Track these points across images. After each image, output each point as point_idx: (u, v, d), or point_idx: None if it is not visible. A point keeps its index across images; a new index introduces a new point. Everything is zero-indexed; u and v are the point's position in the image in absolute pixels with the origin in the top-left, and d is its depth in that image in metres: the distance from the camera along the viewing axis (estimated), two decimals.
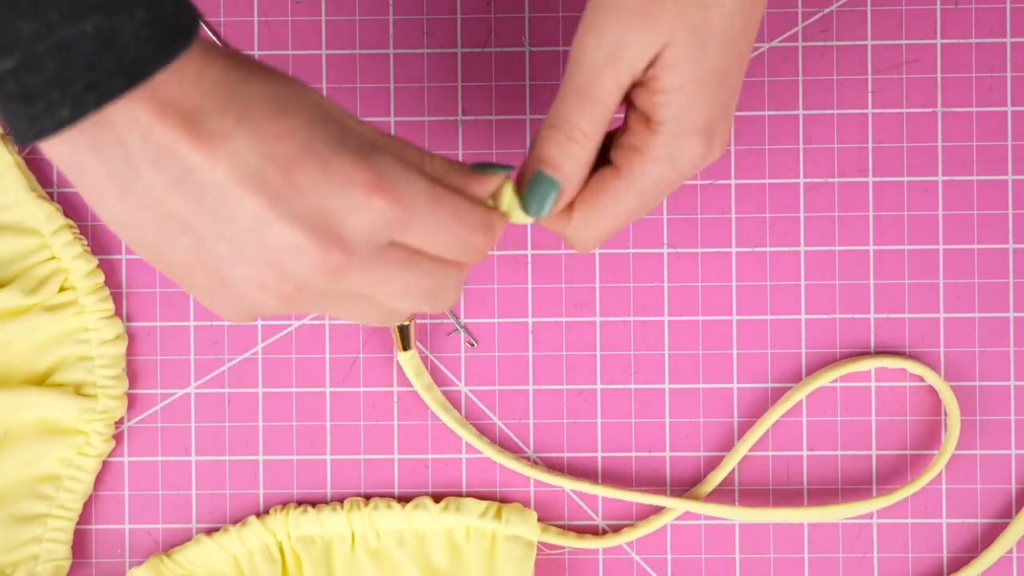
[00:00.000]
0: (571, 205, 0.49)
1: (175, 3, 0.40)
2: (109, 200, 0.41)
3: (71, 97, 0.39)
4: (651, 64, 0.46)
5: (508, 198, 0.47)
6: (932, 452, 0.60)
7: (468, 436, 0.59)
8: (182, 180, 0.40)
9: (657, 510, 0.60)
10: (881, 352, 0.60)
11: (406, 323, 0.59)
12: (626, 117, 0.48)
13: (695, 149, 0.47)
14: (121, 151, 0.40)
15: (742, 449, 0.59)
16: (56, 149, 0.40)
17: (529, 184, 0.47)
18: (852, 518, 0.60)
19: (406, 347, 0.59)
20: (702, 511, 0.59)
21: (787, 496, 0.60)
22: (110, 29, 0.39)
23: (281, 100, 0.42)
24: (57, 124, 0.39)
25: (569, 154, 0.47)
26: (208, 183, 0.40)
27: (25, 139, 0.40)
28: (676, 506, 0.59)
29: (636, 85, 0.47)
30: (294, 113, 0.42)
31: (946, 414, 0.60)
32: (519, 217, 0.48)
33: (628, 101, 0.48)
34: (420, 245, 0.44)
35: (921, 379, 0.60)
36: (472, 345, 0.60)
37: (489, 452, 0.59)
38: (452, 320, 0.60)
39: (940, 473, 0.60)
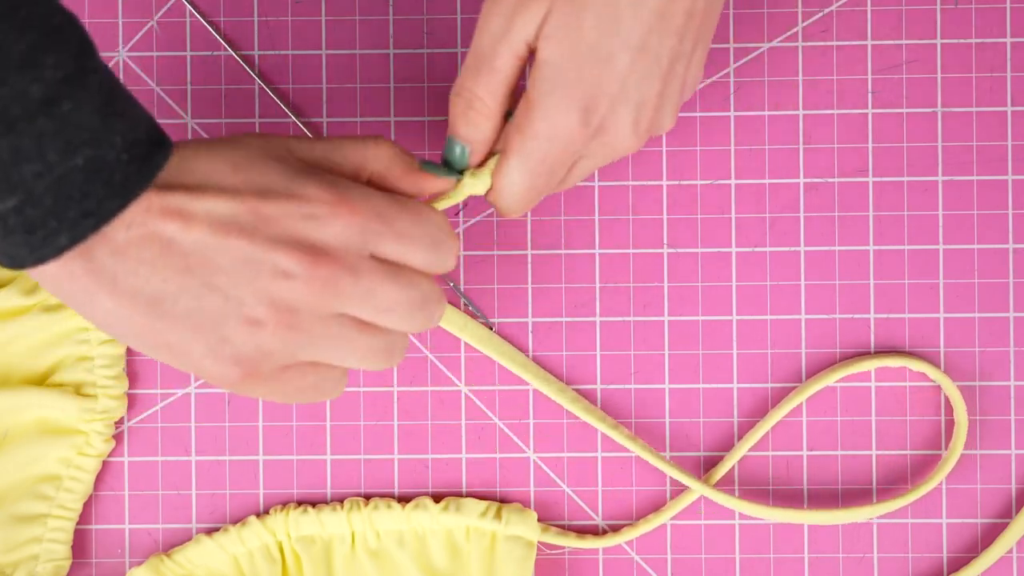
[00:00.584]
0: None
1: (146, 123, 0.44)
2: (101, 298, 0.44)
3: (68, 224, 0.43)
4: (536, 37, 0.47)
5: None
6: (932, 452, 0.60)
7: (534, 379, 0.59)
8: (166, 251, 0.44)
9: (657, 509, 0.60)
10: (882, 352, 0.60)
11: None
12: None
13: (570, 125, 0.48)
14: (108, 247, 0.44)
15: (741, 449, 0.59)
16: (43, 267, 0.44)
17: (445, 147, 0.50)
18: (852, 518, 0.60)
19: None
20: (728, 504, 0.59)
21: (787, 496, 0.60)
22: (98, 159, 0.42)
23: (234, 159, 0.46)
24: (57, 251, 0.43)
25: (469, 121, 0.49)
26: (188, 245, 0.44)
27: (24, 264, 0.43)
28: (704, 492, 0.59)
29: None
30: (246, 165, 0.46)
31: (949, 411, 0.60)
32: (462, 191, 0.50)
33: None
34: (397, 255, 0.47)
35: (922, 378, 0.60)
36: (491, 327, 0.60)
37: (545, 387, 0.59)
38: (466, 302, 0.60)
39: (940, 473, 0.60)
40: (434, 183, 0.50)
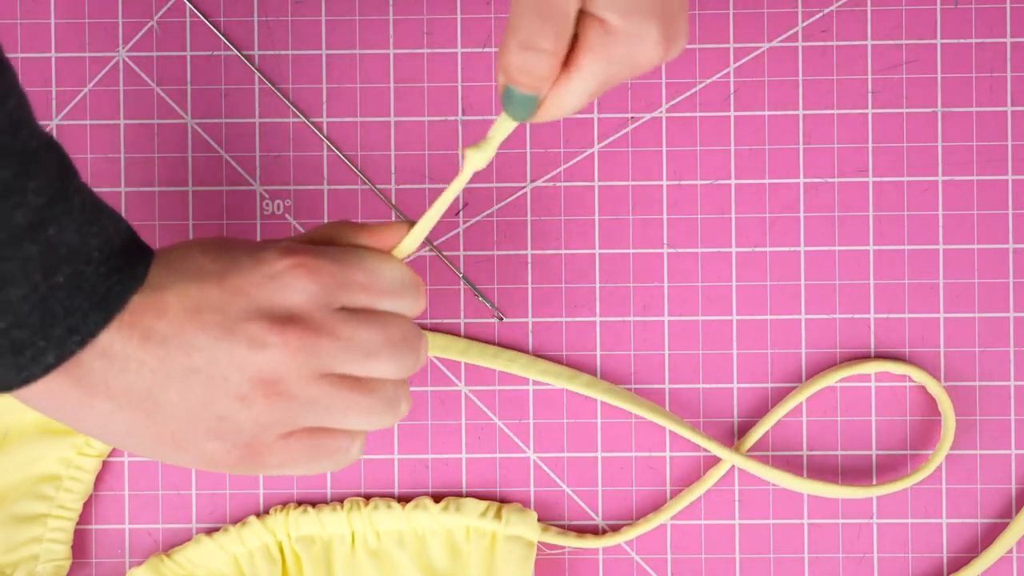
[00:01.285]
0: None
1: (123, 234, 0.46)
2: (98, 403, 0.45)
3: (54, 342, 0.43)
4: None
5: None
6: (932, 452, 0.60)
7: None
8: (146, 342, 0.45)
9: (656, 508, 0.60)
10: (884, 356, 0.60)
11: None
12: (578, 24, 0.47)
13: (653, 48, 0.46)
14: (95, 350, 0.44)
15: (741, 449, 0.59)
16: (30, 387, 0.45)
17: (511, 101, 0.47)
18: (852, 518, 0.60)
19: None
20: (756, 470, 0.59)
21: (787, 496, 0.60)
22: (78, 275, 0.43)
23: (202, 245, 0.47)
24: (44, 369, 0.44)
25: (540, 75, 0.46)
26: (165, 331, 0.45)
27: (11, 387, 0.44)
28: (728, 457, 0.59)
29: None
30: (213, 247, 0.47)
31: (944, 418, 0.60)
32: (467, 171, 0.49)
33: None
34: (365, 304, 0.47)
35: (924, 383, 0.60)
36: (501, 319, 0.60)
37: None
38: (477, 295, 0.60)
39: (940, 473, 0.60)
40: (393, 232, 0.50)
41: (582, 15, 0.46)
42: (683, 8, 0.47)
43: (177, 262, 0.47)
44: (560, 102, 0.47)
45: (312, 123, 0.60)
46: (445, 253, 0.60)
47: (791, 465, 0.60)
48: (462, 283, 0.60)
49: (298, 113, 0.60)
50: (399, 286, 0.48)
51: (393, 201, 0.60)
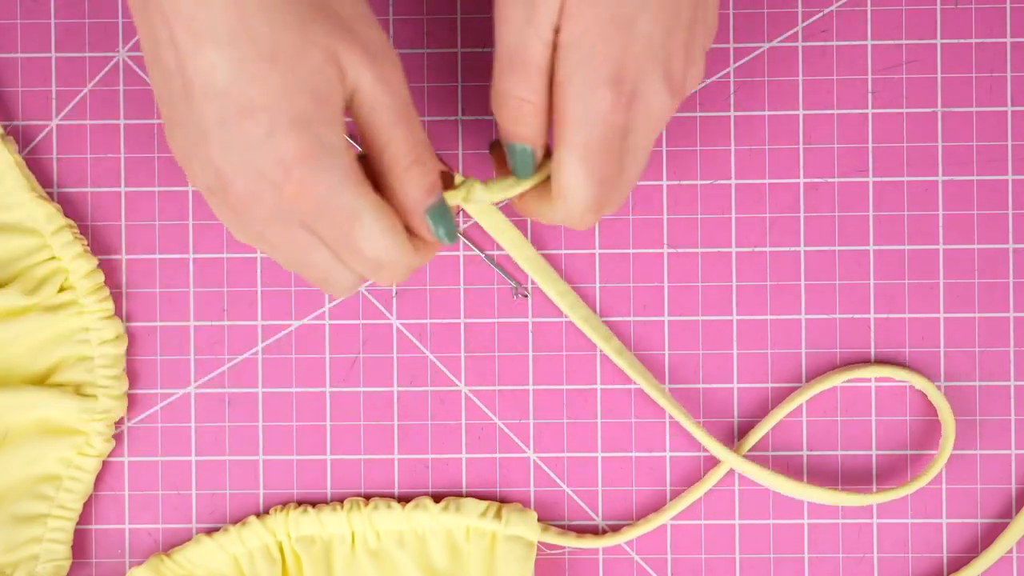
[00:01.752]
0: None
1: None
2: (136, 21, 0.44)
3: None
4: (559, 17, 0.45)
5: (466, 190, 0.50)
6: (932, 452, 0.60)
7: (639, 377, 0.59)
8: (169, 45, 0.43)
9: (657, 509, 0.60)
10: (884, 356, 0.60)
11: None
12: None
13: (604, 102, 0.46)
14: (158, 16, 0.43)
15: (741, 450, 0.59)
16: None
17: (509, 156, 0.49)
18: (852, 518, 0.60)
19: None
20: (752, 475, 0.59)
21: (787, 496, 0.60)
22: None
23: (280, 45, 0.43)
24: None
25: (521, 122, 0.47)
26: (186, 67, 0.43)
27: None
28: (731, 461, 0.59)
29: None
30: (283, 66, 0.43)
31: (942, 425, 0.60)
32: (478, 196, 0.50)
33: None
34: (325, 241, 0.46)
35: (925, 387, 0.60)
36: (525, 296, 0.60)
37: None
38: (502, 274, 0.60)
39: (940, 473, 0.60)
40: (423, 233, 0.49)
41: (557, 87, 0.47)
42: (656, 56, 0.47)
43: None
44: (565, 180, 0.48)
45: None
46: (444, 253, 0.60)
47: (791, 467, 0.60)
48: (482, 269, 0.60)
49: None
50: (373, 265, 0.47)
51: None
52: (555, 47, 0.46)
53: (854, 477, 0.60)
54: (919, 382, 0.59)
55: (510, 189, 0.50)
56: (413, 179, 0.47)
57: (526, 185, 0.50)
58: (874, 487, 0.60)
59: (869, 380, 0.60)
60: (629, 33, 0.45)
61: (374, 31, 0.45)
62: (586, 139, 0.47)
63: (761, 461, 0.60)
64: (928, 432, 0.60)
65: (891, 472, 0.60)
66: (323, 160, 0.44)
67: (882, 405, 0.60)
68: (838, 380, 0.59)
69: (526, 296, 0.60)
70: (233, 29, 0.42)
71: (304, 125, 0.43)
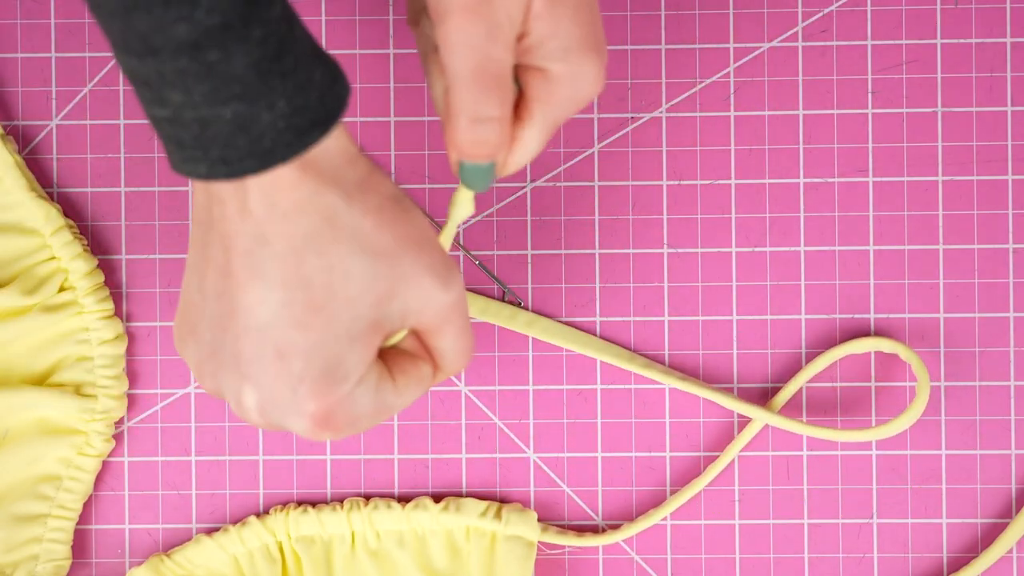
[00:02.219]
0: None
1: (322, 90, 0.42)
2: (193, 232, 0.45)
3: (208, 161, 0.42)
4: (524, 21, 0.45)
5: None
6: (932, 452, 0.60)
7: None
8: (222, 271, 0.44)
9: (657, 504, 0.60)
10: (882, 353, 0.60)
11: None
12: (517, 79, 0.47)
13: (596, 82, 0.47)
14: (219, 207, 0.43)
15: (738, 445, 0.59)
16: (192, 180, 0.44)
17: (470, 175, 0.47)
18: (852, 518, 0.60)
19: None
20: (775, 423, 0.59)
21: (787, 496, 0.60)
22: (249, 116, 0.40)
23: (330, 293, 0.44)
24: (195, 174, 0.42)
25: (495, 142, 0.46)
26: (234, 295, 0.44)
27: (173, 167, 0.43)
28: (751, 414, 0.59)
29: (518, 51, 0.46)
30: (327, 316, 0.44)
31: (950, 410, 0.60)
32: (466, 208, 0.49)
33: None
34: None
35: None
36: (519, 304, 0.60)
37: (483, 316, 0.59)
38: (498, 283, 0.60)
39: (941, 473, 0.60)
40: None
41: (520, 69, 0.47)
42: (601, 29, 0.47)
43: (317, 236, 0.43)
44: (518, 157, 0.48)
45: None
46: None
47: (791, 465, 0.60)
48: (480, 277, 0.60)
49: None
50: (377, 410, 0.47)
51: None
52: (528, 50, 0.46)
53: (854, 477, 0.60)
54: (887, 345, 0.58)
55: (461, 208, 0.49)
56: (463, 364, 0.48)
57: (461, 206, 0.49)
58: (874, 487, 0.60)
59: (869, 380, 0.60)
60: (591, 9, 0.46)
61: (438, 257, 0.46)
62: (562, 116, 0.47)
63: (761, 461, 0.60)
64: (929, 431, 0.60)
65: (891, 471, 0.60)
66: (343, 408, 0.45)
67: (883, 405, 0.60)
68: (833, 358, 0.59)
69: (519, 303, 0.60)
70: (290, 274, 0.43)
71: (335, 374, 0.44)
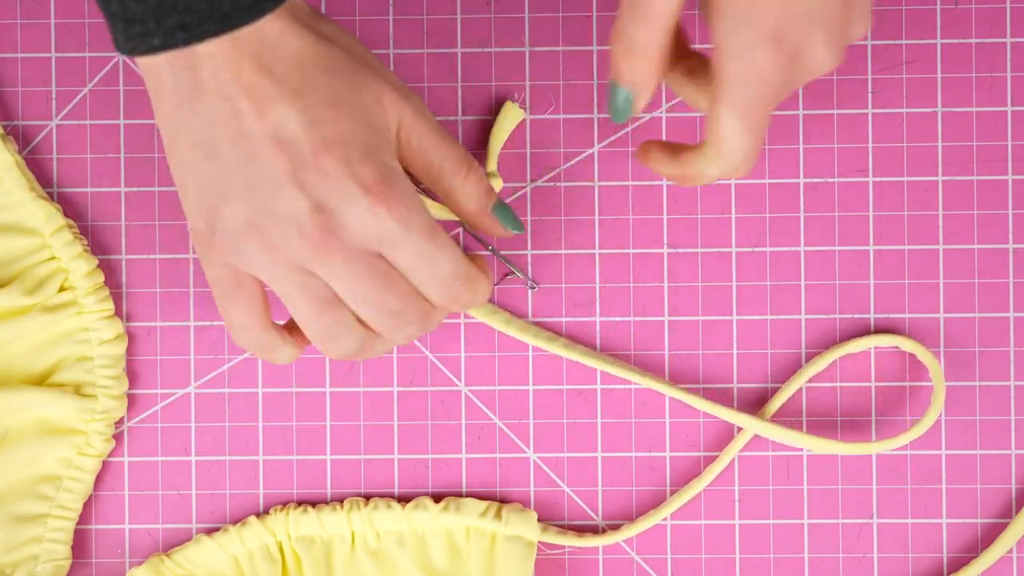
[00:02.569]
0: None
1: None
2: (164, 107, 0.47)
3: (164, 30, 0.45)
4: None
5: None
6: (933, 452, 0.60)
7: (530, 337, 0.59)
8: (230, 119, 0.46)
9: (657, 505, 0.60)
10: (883, 353, 0.60)
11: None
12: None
13: (764, 59, 0.46)
14: (191, 76, 0.46)
15: (739, 445, 0.59)
16: (140, 57, 0.47)
17: (609, 93, 0.50)
18: (852, 518, 0.60)
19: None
20: (770, 435, 0.59)
21: (787, 496, 0.60)
22: None
23: (339, 92, 0.47)
24: (148, 49, 0.46)
25: (632, 67, 0.48)
26: (250, 131, 0.46)
27: (120, 49, 0.46)
28: (744, 423, 0.59)
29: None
30: (346, 109, 0.47)
31: (949, 408, 0.60)
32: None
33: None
34: (404, 267, 0.48)
35: (924, 378, 0.60)
36: (533, 288, 0.60)
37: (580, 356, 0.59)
38: (509, 266, 0.60)
39: (940, 473, 0.60)
40: (495, 230, 0.53)
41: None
42: (816, 14, 0.46)
43: (306, 92, 0.47)
44: (723, 135, 0.48)
45: None
46: None
47: (791, 465, 0.60)
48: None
49: None
50: (444, 281, 0.49)
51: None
52: (711, 5, 0.46)
53: (854, 477, 0.60)
54: (907, 344, 0.58)
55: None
56: (472, 185, 0.52)
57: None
58: (874, 487, 0.60)
59: (869, 380, 0.60)
60: None
61: (396, 78, 0.50)
62: (745, 98, 0.47)
63: (761, 461, 0.60)
64: (929, 429, 0.60)
65: (891, 471, 0.60)
66: (396, 182, 0.48)
67: (883, 405, 0.60)
68: (832, 358, 0.59)
69: (535, 287, 0.60)
70: (297, 85, 0.46)
71: (374, 153, 0.48)
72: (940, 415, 0.60)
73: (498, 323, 0.59)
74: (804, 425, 0.60)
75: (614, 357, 0.60)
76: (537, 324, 0.60)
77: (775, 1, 0.45)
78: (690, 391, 0.60)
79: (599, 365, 0.59)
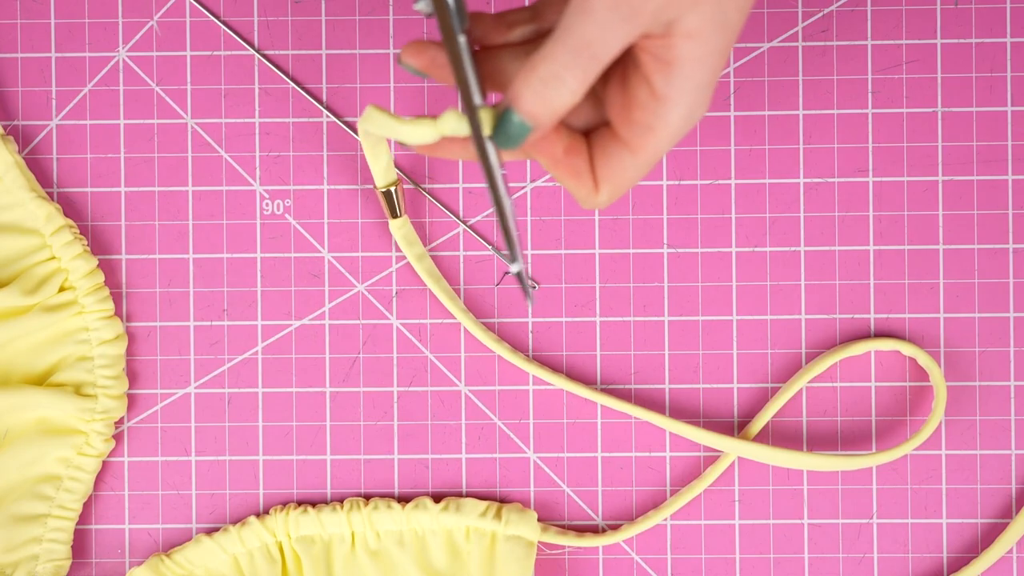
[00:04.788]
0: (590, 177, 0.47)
1: None
2: None
3: None
4: (668, 33, 0.43)
5: (453, 123, 0.46)
6: (933, 452, 0.60)
7: (458, 312, 0.59)
8: None
9: (657, 505, 0.60)
10: (882, 353, 0.60)
11: (391, 188, 0.58)
12: (624, 75, 0.46)
13: (704, 107, 0.45)
14: None
15: (743, 443, 0.59)
16: None
17: (504, 122, 0.45)
18: (852, 518, 0.60)
19: (395, 214, 0.58)
20: (759, 456, 0.59)
21: (787, 496, 0.60)
22: None
23: None
24: None
25: (552, 109, 0.44)
26: None
27: None
28: (731, 449, 0.59)
29: (640, 49, 0.44)
30: None
31: (949, 410, 0.60)
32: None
33: (624, 57, 0.46)
34: None
35: (923, 378, 0.60)
36: (535, 287, 0.60)
37: (485, 339, 0.59)
38: (512, 267, 0.60)
39: (941, 472, 0.60)
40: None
41: (632, 73, 0.45)
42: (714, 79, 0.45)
43: None
44: (624, 179, 0.46)
45: (343, 121, 0.60)
46: (444, 253, 0.60)
47: (790, 468, 0.60)
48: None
49: (327, 112, 0.60)
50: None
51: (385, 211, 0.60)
52: (653, 57, 0.44)
53: (854, 477, 0.60)
54: (908, 348, 0.58)
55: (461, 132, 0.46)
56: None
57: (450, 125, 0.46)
58: (874, 487, 0.60)
59: (869, 380, 0.60)
60: (730, 45, 0.45)
61: None
62: (668, 146, 0.46)
63: (761, 444, 0.60)
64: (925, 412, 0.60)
65: (892, 470, 0.60)
66: None
67: (882, 405, 0.60)
68: (832, 361, 0.59)
69: (536, 286, 0.60)
70: None
71: None
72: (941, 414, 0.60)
73: (503, 352, 0.59)
74: (804, 425, 0.60)
75: (614, 393, 0.60)
76: (536, 323, 0.60)
77: (724, 56, 0.44)
78: (692, 421, 0.60)
79: (600, 399, 0.59)
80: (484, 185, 0.59)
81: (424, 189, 0.59)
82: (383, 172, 0.58)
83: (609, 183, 0.47)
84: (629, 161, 0.46)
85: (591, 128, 0.48)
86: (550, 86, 0.44)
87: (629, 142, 0.46)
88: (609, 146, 0.47)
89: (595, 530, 0.60)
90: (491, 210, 0.60)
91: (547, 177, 0.60)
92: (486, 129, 0.45)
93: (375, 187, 0.59)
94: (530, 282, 0.60)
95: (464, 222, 0.60)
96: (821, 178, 0.60)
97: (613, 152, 0.47)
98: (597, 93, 0.48)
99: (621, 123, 0.46)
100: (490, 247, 0.60)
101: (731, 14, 0.44)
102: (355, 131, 0.60)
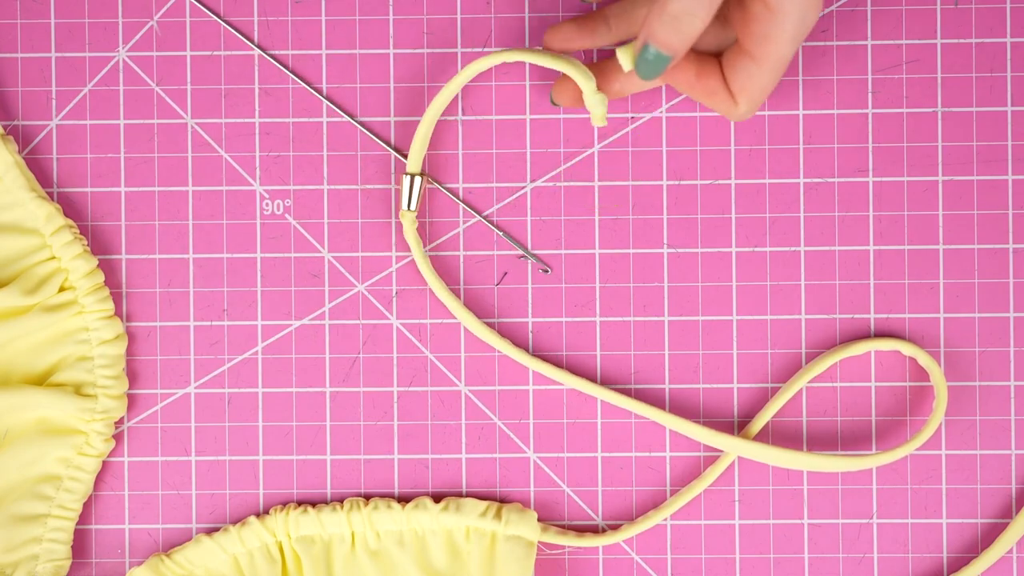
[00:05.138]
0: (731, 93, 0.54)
1: None
2: None
3: None
4: None
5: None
6: (933, 452, 0.60)
7: (461, 313, 0.59)
8: None
9: (657, 505, 0.60)
10: (882, 352, 0.60)
11: (419, 177, 0.58)
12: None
13: (816, 11, 0.50)
14: None
15: (743, 442, 0.59)
16: None
17: (643, 55, 0.51)
18: (852, 518, 0.60)
19: (410, 207, 0.59)
20: (758, 455, 0.59)
21: (787, 496, 0.60)
22: None
23: None
24: None
25: (684, 38, 0.50)
26: None
27: None
28: (732, 448, 0.59)
29: None
30: None
31: (949, 410, 0.60)
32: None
33: None
34: None
35: (923, 378, 0.60)
36: (546, 272, 0.60)
37: (483, 335, 0.59)
38: (518, 248, 0.60)
39: (941, 472, 0.60)
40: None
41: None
42: None
43: None
44: (757, 88, 0.53)
45: (354, 119, 0.60)
46: (443, 253, 0.60)
47: (790, 473, 0.60)
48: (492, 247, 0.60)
49: (338, 110, 0.60)
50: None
51: (395, 200, 0.60)
52: None
53: (854, 477, 0.60)
54: (908, 348, 0.58)
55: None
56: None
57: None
58: (874, 487, 0.60)
59: (869, 380, 0.60)
60: None
61: None
62: (790, 54, 0.51)
63: (761, 462, 0.60)
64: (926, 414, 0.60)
65: (892, 470, 0.60)
66: None
67: (882, 405, 0.60)
68: (832, 361, 0.59)
69: (548, 271, 0.60)
70: None
71: None
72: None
73: (506, 349, 0.59)
74: (804, 425, 0.60)
75: (616, 390, 0.60)
76: (538, 322, 0.60)
77: None
78: (692, 420, 0.60)
79: (600, 394, 0.59)
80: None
81: (445, 188, 0.59)
82: (417, 154, 0.58)
83: (744, 94, 0.53)
84: (755, 71, 0.52)
85: (719, 51, 0.55)
86: (682, 19, 0.50)
87: (752, 52, 0.52)
88: (737, 61, 0.53)
89: (595, 530, 0.60)
90: (493, 209, 0.60)
91: (547, 177, 0.60)
92: (627, 65, 0.52)
93: (406, 172, 0.58)
94: (542, 266, 0.60)
95: (489, 219, 0.60)
96: (821, 178, 0.60)
97: (741, 66, 0.53)
98: (721, 14, 0.54)
99: (744, 36, 0.52)
100: (501, 233, 0.60)
101: None
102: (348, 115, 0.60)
